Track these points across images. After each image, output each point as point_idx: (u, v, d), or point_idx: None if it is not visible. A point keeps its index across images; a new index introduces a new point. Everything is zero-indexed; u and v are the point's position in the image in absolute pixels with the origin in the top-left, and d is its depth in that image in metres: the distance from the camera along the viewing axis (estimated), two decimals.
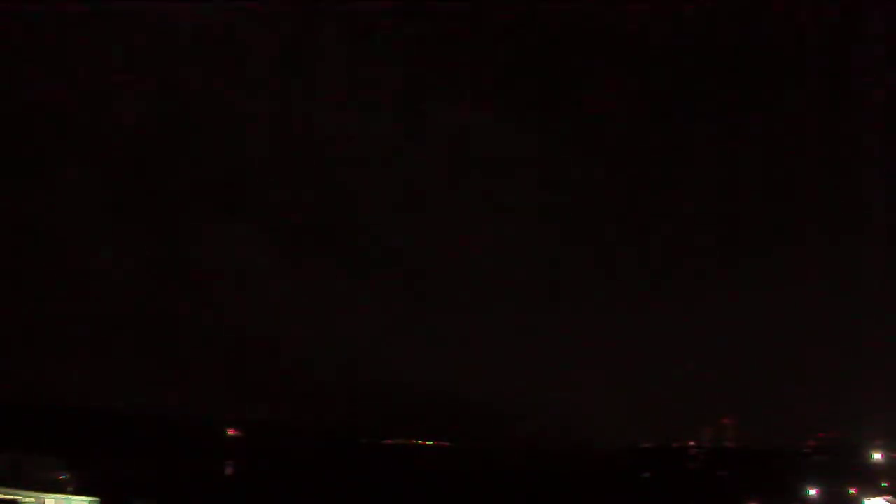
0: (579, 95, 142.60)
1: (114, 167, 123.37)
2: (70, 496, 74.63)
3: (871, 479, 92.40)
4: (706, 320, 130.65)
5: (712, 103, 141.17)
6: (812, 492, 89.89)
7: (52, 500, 74.03)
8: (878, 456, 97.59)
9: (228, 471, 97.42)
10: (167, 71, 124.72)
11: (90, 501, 74.07)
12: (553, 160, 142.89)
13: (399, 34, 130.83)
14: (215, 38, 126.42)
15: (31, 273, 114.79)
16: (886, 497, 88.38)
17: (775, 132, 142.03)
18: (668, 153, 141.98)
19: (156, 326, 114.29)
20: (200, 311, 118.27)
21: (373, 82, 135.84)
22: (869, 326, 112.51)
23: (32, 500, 73.42)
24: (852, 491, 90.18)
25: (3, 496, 72.37)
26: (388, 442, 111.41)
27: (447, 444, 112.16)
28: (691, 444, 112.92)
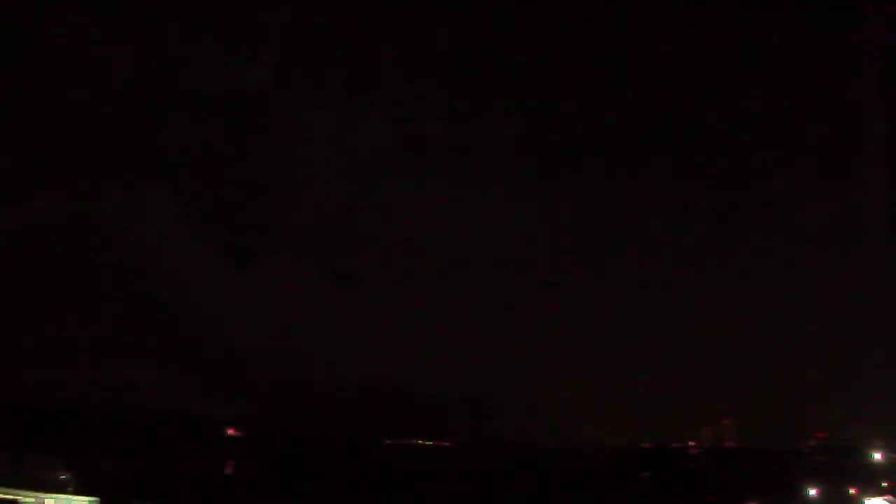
0: (577, 93, 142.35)
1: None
2: (70, 496, 74.75)
3: (871, 479, 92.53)
4: (706, 319, 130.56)
5: (713, 101, 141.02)
6: (812, 492, 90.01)
7: (52, 500, 74.16)
8: (878, 456, 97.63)
9: (228, 471, 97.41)
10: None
11: (90, 501, 74.21)
12: (550, 155, 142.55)
13: None
14: None
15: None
16: (886, 497, 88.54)
17: (776, 132, 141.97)
18: (668, 152, 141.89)
19: (154, 325, 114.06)
20: (198, 310, 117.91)
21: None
22: (869, 326, 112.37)
23: (32, 500, 73.54)
24: (852, 491, 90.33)
25: (3, 496, 72.46)
26: (388, 442, 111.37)
27: (447, 444, 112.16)
28: (691, 444, 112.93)
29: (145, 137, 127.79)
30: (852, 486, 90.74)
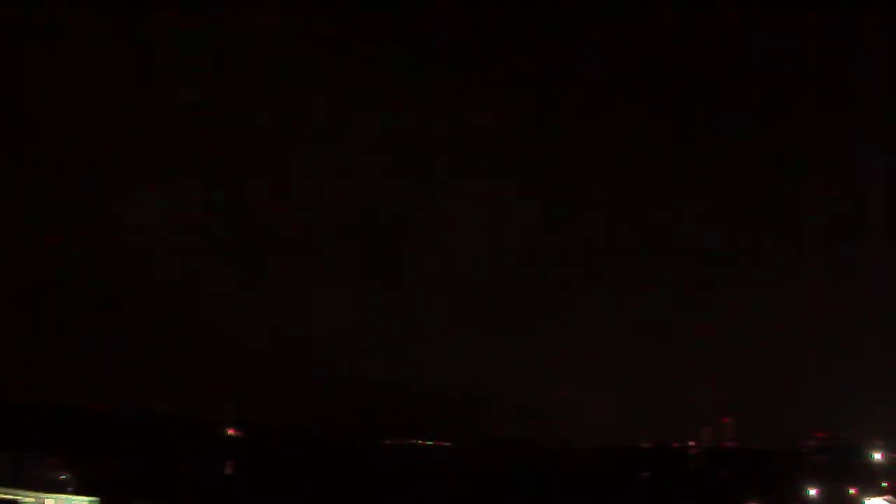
0: (575, 91, 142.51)
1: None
2: (70, 496, 74.72)
3: (871, 479, 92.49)
4: (706, 319, 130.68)
5: (712, 104, 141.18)
6: (812, 492, 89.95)
7: (52, 500, 74.13)
8: (878, 456, 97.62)
9: (228, 471, 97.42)
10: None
11: (90, 501, 74.17)
12: (551, 156, 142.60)
13: None
14: None
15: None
16: (886, 497, 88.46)
17: (777, 133, 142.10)
18: (669, 152, 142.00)
19: (154, 325, 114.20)
20: (198, 310, 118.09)
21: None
22: (869, 326, 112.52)
23: (32, 500, 73.53)
24: (852, 491, 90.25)
25: (3, 496, 72.45)
26: (388, 442, 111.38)
27: (447, 444, 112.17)
28: (691, 444, 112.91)
29: (147, 139, 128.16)
30: (852, 486, 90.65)
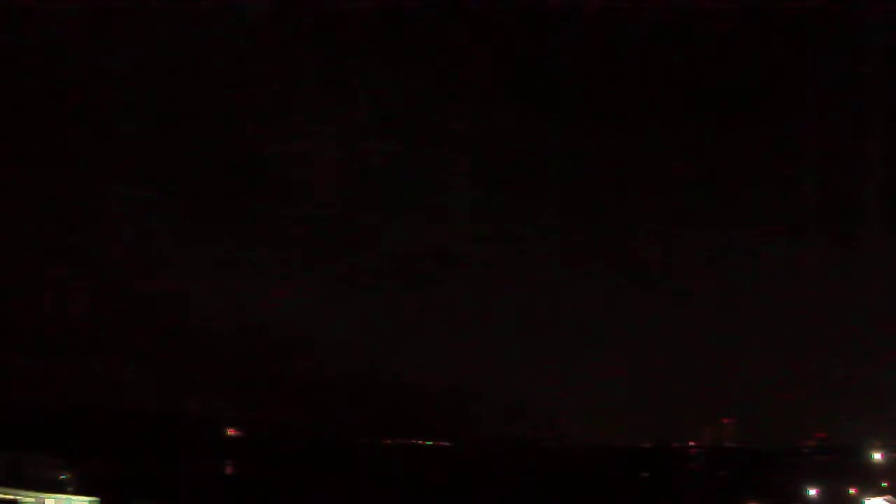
0: (581, 91, 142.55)
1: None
2: (70, 496, 74.62)
3: (871, 479, 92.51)
4: (707, 319, 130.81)
5: (711, 100, 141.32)
6: (812, 492, 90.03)
7: (52, 500, 74.00)
8: (878, 456, 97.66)
9: (228, 471, 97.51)
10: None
11: (90, 501, 74.07)
12: (544, 149, 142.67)
13: None
14: None
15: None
16: (886, 497, 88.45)
17: (777, 129, 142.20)
18: (669, 148, 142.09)
19: (154, 325, 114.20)
20: (198, 310, 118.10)
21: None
22: (869, 326, 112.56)
23: (32, 500, 73.39)
24: (852, 491, 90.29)
25: (3, 496, 72.35)
26: (388, 442, 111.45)
27: (447, 444, 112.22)
28: (691, 444, 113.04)
29: (134, 135, 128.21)
30: (852, 486, 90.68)
